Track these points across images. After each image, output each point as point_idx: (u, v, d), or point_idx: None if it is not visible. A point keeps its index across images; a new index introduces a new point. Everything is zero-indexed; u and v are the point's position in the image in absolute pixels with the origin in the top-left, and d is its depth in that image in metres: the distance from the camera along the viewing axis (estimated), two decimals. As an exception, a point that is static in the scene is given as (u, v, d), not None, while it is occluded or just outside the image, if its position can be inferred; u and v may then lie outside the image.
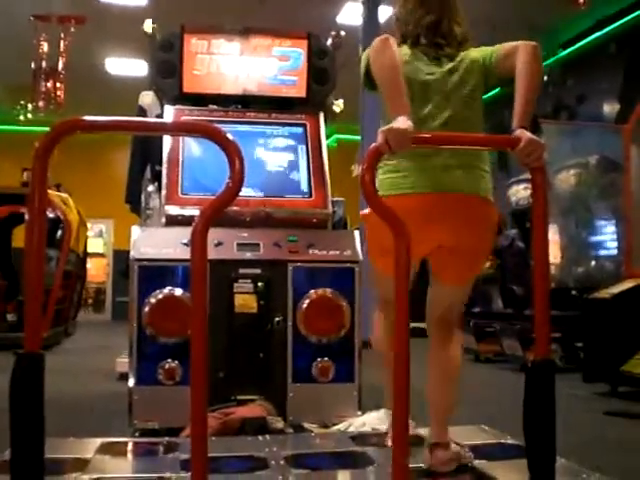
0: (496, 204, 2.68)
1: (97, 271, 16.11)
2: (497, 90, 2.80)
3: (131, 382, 3.53)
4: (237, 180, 1.78)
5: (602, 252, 7.78)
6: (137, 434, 3.46)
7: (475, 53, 2.66)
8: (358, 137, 9.72)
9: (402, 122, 2.19)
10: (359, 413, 3.63)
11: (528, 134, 2.18)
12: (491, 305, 8.31)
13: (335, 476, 2.66)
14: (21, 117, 12.11)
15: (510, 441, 2.99)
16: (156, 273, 3.55)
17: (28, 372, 1.73)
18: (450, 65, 2.63)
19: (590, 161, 7.72)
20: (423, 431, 3.07)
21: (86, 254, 12.05)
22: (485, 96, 2.72)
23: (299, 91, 4.27)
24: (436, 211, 2.53)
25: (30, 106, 11.51)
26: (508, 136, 2.22)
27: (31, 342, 1.75)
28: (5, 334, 8.69)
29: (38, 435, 1.73)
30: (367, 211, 2.43)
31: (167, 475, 2.46)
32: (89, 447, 2.89)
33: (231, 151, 1.79)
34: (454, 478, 2.54)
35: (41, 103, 10.93)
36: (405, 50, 2.64)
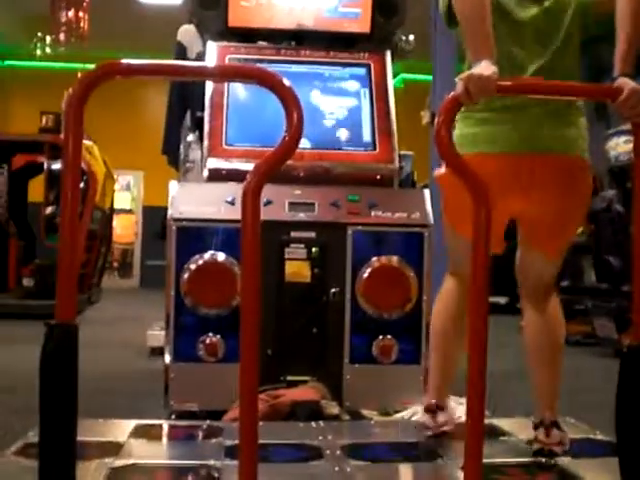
0: (592, 159, 2.72)
1: (124, 230, 16.24)
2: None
3: (167, 358, 3.64)
4: (295, 134, 1.83)
5: None
6: (173, 416, 3.59)
7: None
8: (429, 77, 9.65)
9: (485, 67, 2.21)
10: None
11: (632, 84, 2.19)
12: (582, 279, 8.26)
13: (397, 469, 2.73)
14: (38, 52, 12.25)
15: (600, 437, 3.02)
16: (197, 235, 3.65)
17: (61, 345, 1.81)
18: (547, 3, 2.63)
19: None
20: (498, 421, 3.15)
21: (112, 211, 12.25)
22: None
23: (362, 26, 4.28)
24: (523, 177, 2.57)
25: (49, 39, 11.62)
26: (608, 85, 2.24)
27: (64, 311, 1.83)
28: (21, 301, 8.94)
29: (71, 416, 1.81)
30: (443, 171, 2.48)
31: (211, 462, 2.56)
32: (122, 430, 3.02)
33: (289, 101, 1.83)
34: (534, 477, 2.59)
35: (62, 36, 11.01)
36: None
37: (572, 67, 2.66)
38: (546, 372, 2.82)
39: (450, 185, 2.62)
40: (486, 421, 1.99)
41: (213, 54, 4.12)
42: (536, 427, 2.76)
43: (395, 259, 3.73)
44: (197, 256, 3.62)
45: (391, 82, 4.19)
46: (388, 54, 4.26)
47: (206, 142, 3.89)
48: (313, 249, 3.73)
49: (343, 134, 4.07)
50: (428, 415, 2.97)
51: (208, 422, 3.23)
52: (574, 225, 2.90)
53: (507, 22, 2.57)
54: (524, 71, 2.57)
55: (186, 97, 4.42)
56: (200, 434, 3.04)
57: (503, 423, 3.15)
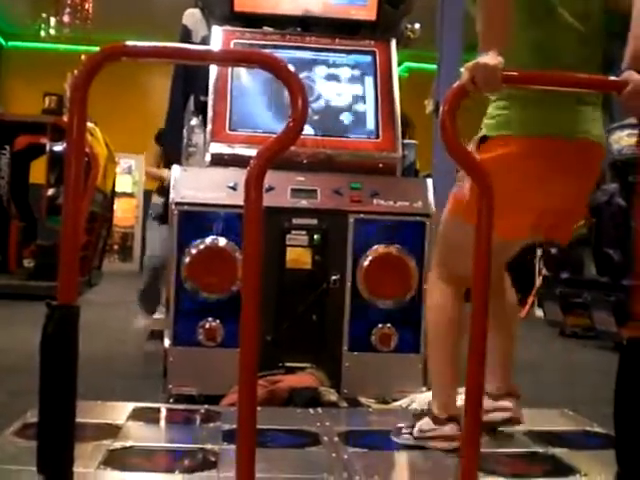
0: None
1: (124, 213, 16.30)
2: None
3: (167, 342, 3.66)
4: (300, 120, 1.82)
5: None
6: (172, 400, 3.60)
7: None
8: (433, 66, 9.64)
9: (491, 57, 2.19)
10: (423, 389, 3.70)
11: (638, 77, 2.17)
12: (582, 271, 8.27)
13: (394, 457, 2.74)
14: (42, 33, 12.23)
15: (597, 429, 3.03)
16: (198, 220, 3.65)
17: (62, 326, 1.81)
18: None
19: None
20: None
21: (114, 194, 12.25)
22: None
23: (369, 13, 4.27)
24: (565, 165, 2.52)
25: (53, 20, 11.62)
26: (613, 78, 2.22)
27: (66, 293, 1.83)
28: (22, 282, 8.96)
29: (70, 397, 1.81)
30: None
31: (208, 446, 2.57)
32: (120, 412, 3.03)
33: (294, 87, 1.83)
34: (529, 465, 2.60)
35: (66, 17, 11.03)
36: None
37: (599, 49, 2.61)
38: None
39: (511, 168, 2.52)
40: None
41: (218, 38, 4.11)
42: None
43: (396, 248, 3.74)
44: (198, 241, 3.62)
45: (396, 70, 4.19)
46: (393, 42, 4.25)
47: (209, 127, 3.89)
48: (314, 236, 3.74)
49: (347, 121, 4.07)
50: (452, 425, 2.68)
51: (206, 406, 3.24)
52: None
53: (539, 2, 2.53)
54: (558, 59, 2.50)
55: (190, 81, 4.41)
56: (198, 418, 3.06)
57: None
